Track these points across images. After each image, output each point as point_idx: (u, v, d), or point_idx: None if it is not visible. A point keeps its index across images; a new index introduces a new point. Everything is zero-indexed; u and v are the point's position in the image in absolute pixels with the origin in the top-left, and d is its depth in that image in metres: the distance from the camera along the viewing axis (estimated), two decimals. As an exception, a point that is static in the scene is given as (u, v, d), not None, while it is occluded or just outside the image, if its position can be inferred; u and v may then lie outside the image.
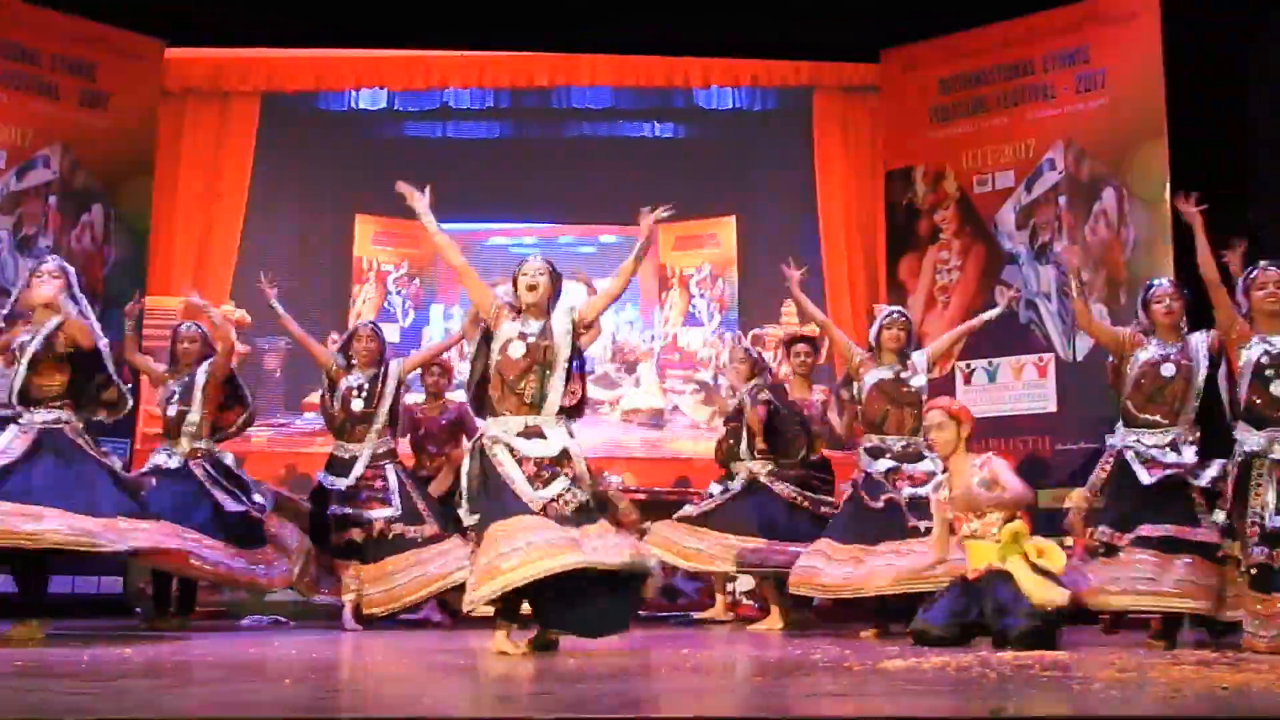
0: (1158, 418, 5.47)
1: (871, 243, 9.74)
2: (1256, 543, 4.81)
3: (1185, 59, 8.27)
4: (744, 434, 6.96)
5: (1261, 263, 5.14)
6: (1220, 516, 5.13)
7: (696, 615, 7.50)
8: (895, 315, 6.61)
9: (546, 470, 4.72)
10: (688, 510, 7.07)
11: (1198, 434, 5.46)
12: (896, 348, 6.51)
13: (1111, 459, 5.58)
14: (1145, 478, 5.36)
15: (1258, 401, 4.95)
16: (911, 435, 6.38)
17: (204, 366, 6.62)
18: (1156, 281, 5.84)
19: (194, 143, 9.98)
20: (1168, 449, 5.41)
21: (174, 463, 6.47)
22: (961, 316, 8.77)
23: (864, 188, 10.07)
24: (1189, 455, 5.37)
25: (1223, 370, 5.29)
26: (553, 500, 4.67)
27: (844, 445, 7.24)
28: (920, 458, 6.32)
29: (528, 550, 4.47)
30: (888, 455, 6.33)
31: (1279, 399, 4.91)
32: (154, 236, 9.10)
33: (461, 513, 4.88)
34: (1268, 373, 4.92)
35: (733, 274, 10.34)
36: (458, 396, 7.31)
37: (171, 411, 6.55)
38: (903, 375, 6.45)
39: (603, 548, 4.58)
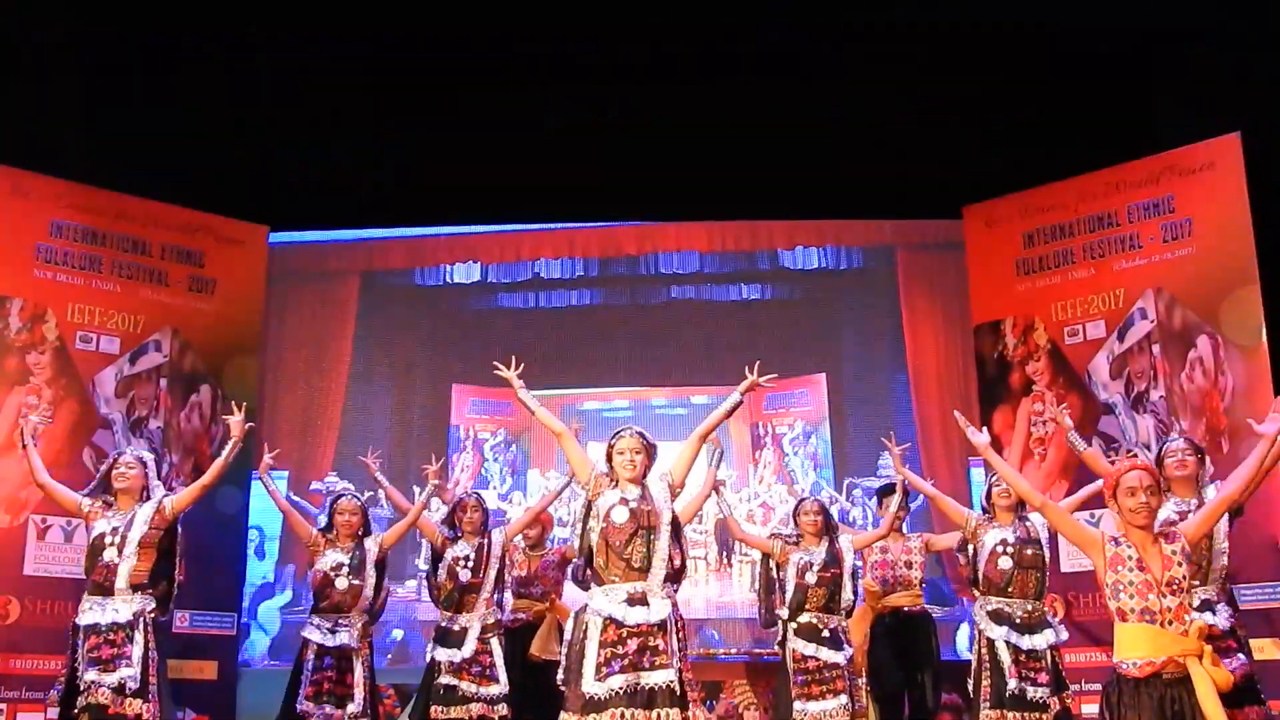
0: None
1: (964, 396, 9.78)
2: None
3: (1273, 203, 8.31)
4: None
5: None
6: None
7: None
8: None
9: (634, 646, 4.87)
10: None
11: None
12: (1009, 505, 6.64)
13: None
14: None
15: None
16: (1035, 600, 6.46)
17: (371, 540, 6.83)
18: (1171, 438, 6.27)
19: (297, 322, 10.60)
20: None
21: (344, 638, 6.63)
22: (1059, 470, 8.77)
23: (953, 341, 10.26)
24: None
25: None
26: (614, 693, 4.84)
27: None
28: (1044, 626, 6.40)
29: None
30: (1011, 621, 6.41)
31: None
32: (260, 414, 9.55)
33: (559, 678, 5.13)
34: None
35: (826, 429, 10.50)
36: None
37: (341, 584, 6.78)
38: (1022, 536, 6.55)
39: None
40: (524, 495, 10.39)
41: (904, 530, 7.75)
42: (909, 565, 7.56)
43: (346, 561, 6.71)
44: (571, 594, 7.67)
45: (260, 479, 7.07)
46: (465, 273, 10.76)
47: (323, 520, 6.96)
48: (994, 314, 9.52)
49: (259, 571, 9.87)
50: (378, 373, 10.66)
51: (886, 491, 7.61)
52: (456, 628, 6.79)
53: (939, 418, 10.04)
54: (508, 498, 10.28)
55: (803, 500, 7.28)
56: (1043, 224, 9.36)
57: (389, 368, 10.73)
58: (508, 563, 7.07)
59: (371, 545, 6.85)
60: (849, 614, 6.96)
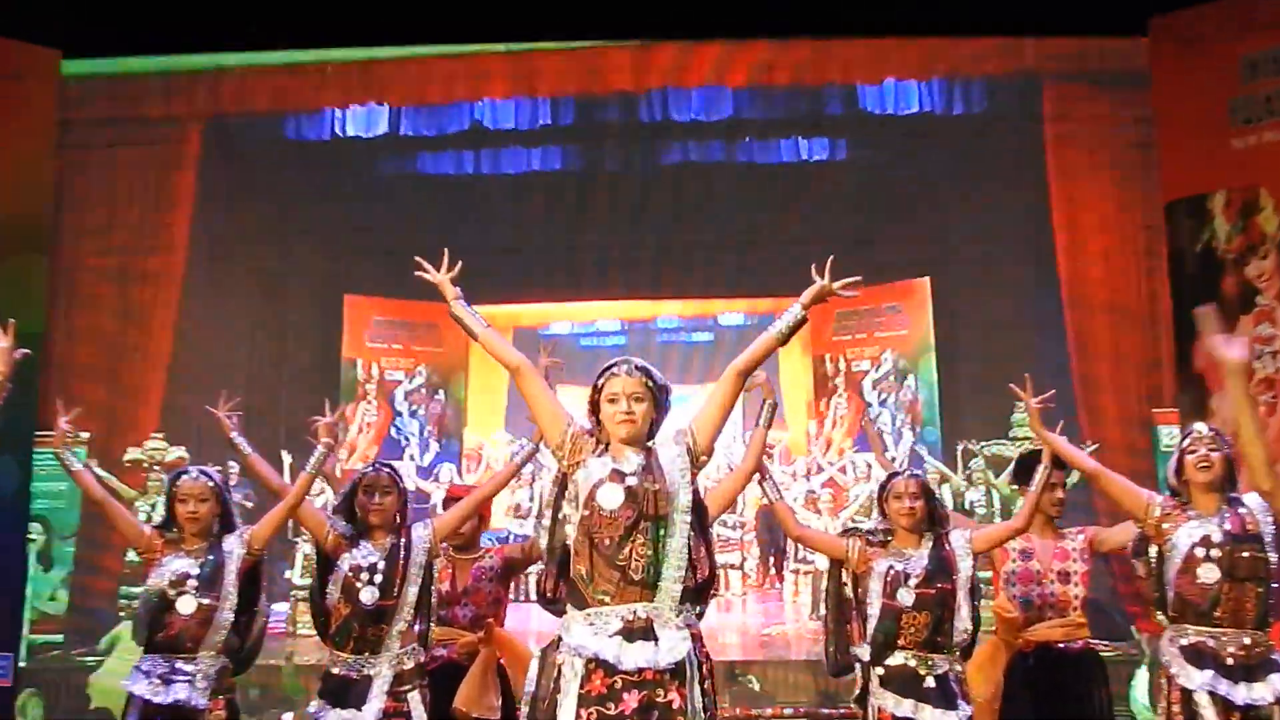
0: None
1: (1147, 312, 9.64)
2: None
3: None
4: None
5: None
6: None
7: None
8: (1206, 436, 6.54)
9: (635, 703, 4.79)
10: None
11: None
12: (1212, 481, 6.47)
13: None
14: None
15: None
16: (1255, 628, 6.36)
17: (234, 540, 6.68)
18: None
19: (106, 199, 10.40)
20: None
21: (181, 693, 6.35)
22: (1296, 425, 8.67)
23: (1130, 228, 10.13)
24: None
25: None
26: None
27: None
28: (1270, 668, 6.31)
29: None
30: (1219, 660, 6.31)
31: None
32: (46, 341, 9.43)
33: None
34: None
35: (929, 365, 10.45)
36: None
37: (185, 606, 6.60)
38: (1234, 530, 6.41)
39: None
40: (456, 470, 10.33)
41: (1056, 524, 7.63)
42: (1065, 577, 7.39)
43: (195, 572, 6.59)
44: (523, 619, 7.58)
45: (57, 455, 6.93)
46: (365, 120, 10.54)
47: (146, 508, 6.87)
48: (1196, 186, 9.46)
49: (45, 588, 9.76)
50: (231, 277, 10.55)
51: (1026, 464, 7.47)
52: (356, 676, 6.57)
53: (1108, 347, 9.91)
54: (432, 473, 10.23)
55: (894, 477, 7.11)
56: (1274, 45, 9.25)
57: (248, 270, 10.64)
58: (435, 574, 6.86)
59: (234, 547, 6.68)
60: (967, 653, 6.87)
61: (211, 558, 6.54)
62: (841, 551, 6.86)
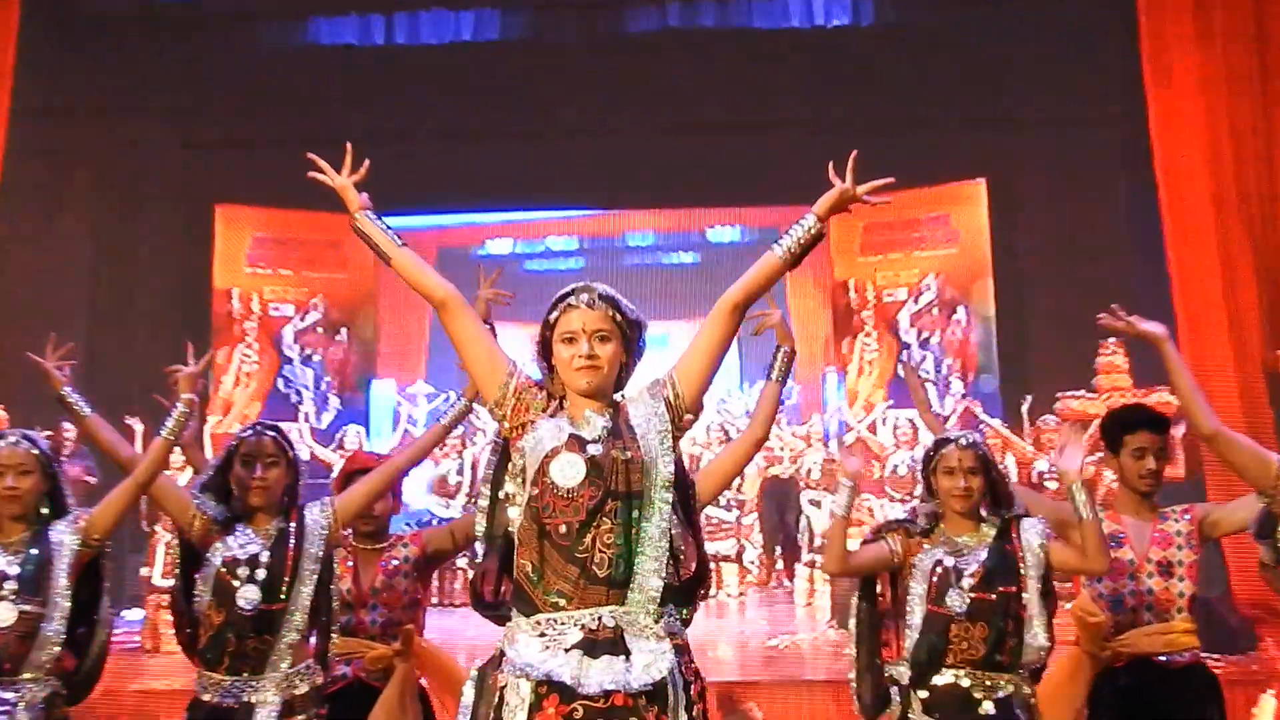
0: None
1: (1269, 223, 9.68)
2: None
3: None
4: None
5: None
6: None
7: None
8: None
9: None
10: None
11: None
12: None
13: None
14: None
15: None
16: None
17: (65, 528, 6.66)
18: None
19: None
20: None
21: None
22: None
23: (1247, 114, 10.12)
24: None
25: None
26: None
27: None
28: None
29: None
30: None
31: None
32: None
33: None
34: None
35: (985, 294, 10.54)
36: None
37: (4, 616, 6.56)
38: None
39: None
40: (365, 433, 10.36)
41: (1153, 499, 7.63)
42: (1166, 570, 7.38)
43: (13, 571, 6.45)
44: (453, 628, 7.57)
45: None
46: (241, -22, 10.60)
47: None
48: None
49: None
50: (64, 183, 10.61)
51: (1119, 425, 7.47)
52: (234, 703, 6.52)
53: (1218, 266, 9.89)
54: (334, 437, 10.23)
55: (944, 444, 7.11)
56: None
57: (87, 173, 10.68)
58: (336, 571, 6.84)
59: (65, 537, 6.68)
60: (1037, 674, 6.89)
61: (35, 552, 6.51)
62: (888, 559, 6.79)
